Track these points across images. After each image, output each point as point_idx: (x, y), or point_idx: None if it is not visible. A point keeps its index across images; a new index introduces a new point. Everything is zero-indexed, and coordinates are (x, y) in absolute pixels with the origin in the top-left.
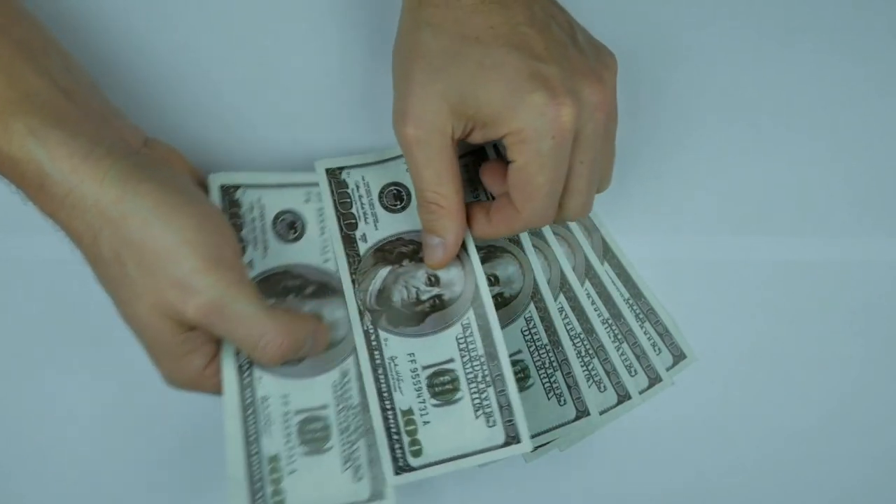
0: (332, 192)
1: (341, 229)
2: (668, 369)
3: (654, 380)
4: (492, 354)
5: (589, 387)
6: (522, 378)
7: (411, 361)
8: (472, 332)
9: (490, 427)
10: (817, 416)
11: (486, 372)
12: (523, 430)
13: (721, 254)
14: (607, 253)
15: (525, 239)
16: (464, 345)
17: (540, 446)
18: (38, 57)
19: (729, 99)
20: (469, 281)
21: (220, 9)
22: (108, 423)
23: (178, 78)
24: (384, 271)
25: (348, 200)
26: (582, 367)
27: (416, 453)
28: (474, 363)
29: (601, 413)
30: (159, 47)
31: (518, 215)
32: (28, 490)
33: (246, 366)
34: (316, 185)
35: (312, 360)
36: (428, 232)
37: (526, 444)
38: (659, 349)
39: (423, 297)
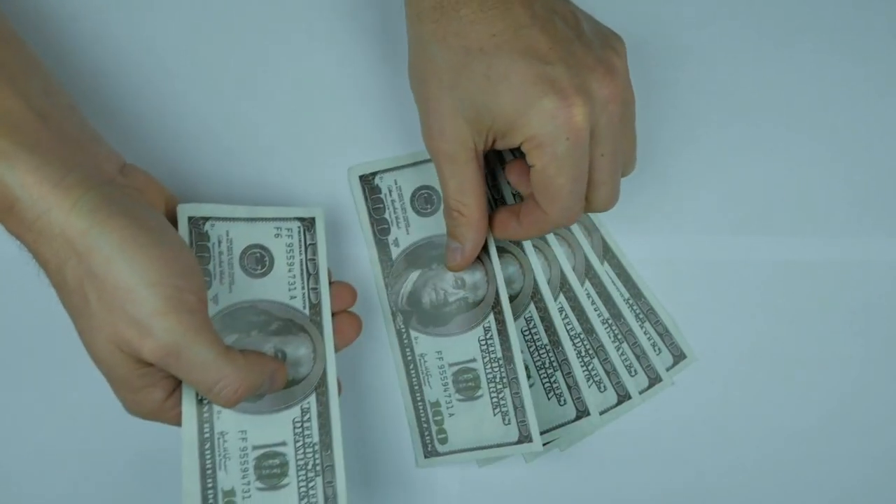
0: (365, 198)
1: (374, 235)
2: (668, 369)
3: (654, 380)
4: (508, 357)
5: (589, 387)
6: (473, 387)
7: (439, 359)
8: (492, 335)
9: (506, 425)
10: (817, 416)
11: (504, 374)
12: (535, 430)
13: (721, 254)
14: (607, 253)
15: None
16: (485, 346)
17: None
18: (16, 79)
19: (729, 99)
20: (491, 286)
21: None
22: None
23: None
24: (414, 274)
25: (381, 206)
26: (582, 367)
27: (443, 441)
28: (494, 364)
29: (601, 413)
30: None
31: (546, 217)
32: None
33: (206, 400)
34: (285, 220)
35: (274, 396)
36: (449, 237)
37: (537, 444)
38: (659, 349)
39: (451, 299)
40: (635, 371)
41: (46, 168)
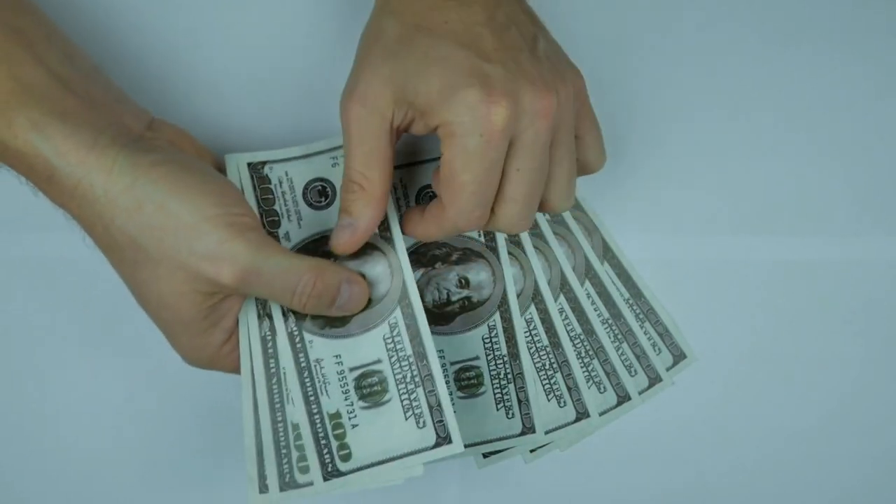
0: (254, 187)
1: (263, 227)
2: (668, 369)
3: (654, 380)
4: (420, 354)
5: (589, 388)
6: (475, 385)
7: (441, 357)
8: (497, 333)
9: (510, 419)
10: (817, 416)
11: (415, 372)
12: (454, 429)
13: (721, 254)
14: (607, 253)
15: (525, 240)
16: (391, 344)
17: (540, 447)
18: (36, 46)
19: (729, 99)
20: (498, 287)
21: None
22: (119, 420)
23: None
24: (417, 273)
25: (270, 196)
26: (582, 368)
27: (345, 458)
28: (402, 363)
29: (601, 414)
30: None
31: (444, 214)
32: (41, 485)
33: (298, 332)
34: (338, 148)
35: (360, 317)
36: (343, 212)
37: (457, 445)
38: (659, 349)
39: (454, 299)
40: (635, 371)
41: (79, 134)
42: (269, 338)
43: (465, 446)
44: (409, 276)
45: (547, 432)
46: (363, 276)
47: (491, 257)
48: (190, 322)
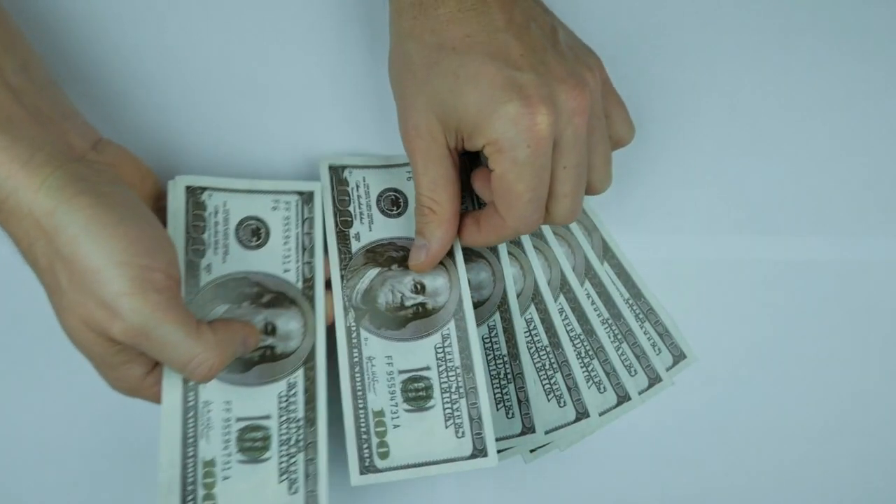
0: (332, 187)
1: (337, 225)
2: (668, 369)
3: (654, 380)
4: (468, 367)
5: (589, 388)
6: (425, 397)
7: (388, 364)
8: (451, 343)
9: (459, 438)
10: (817, 416)
11: (461, 383)
12: (491, 444)
13: (721, 254)
14: (607, 253)
15: (526, 240)
16: (441, 354)
17: (540, 447)
18: None
19: (729, 99)
20: (454, 293)
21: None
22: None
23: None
24: (373, 272)
25: (346, 198)
26: (582, 368)
27: (384, 455)
28: (450, 373)
29: (601, 414)
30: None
31: (504, 223)
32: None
33: (354, 326)
34: (284, 193)
35: (261, 369)
36: (417, 234)
37: (492, 459)
38: (659, 349)
39: (407, 304)
40: (635, 371)
41: (16, 147)
42: (354, 328)
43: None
44: (466, 290)
45: (547, 432)
46: (274, 327)
47: (449, 264)
48: (102, 356)
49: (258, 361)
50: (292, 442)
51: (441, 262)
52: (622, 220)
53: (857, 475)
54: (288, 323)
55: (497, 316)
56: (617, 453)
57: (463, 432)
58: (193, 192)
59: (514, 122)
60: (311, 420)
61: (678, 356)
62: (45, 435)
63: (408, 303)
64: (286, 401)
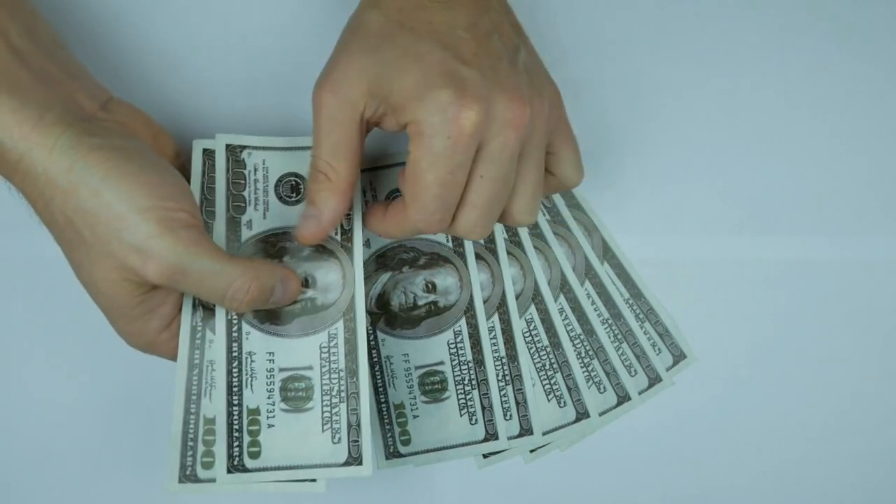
0: (227, 169)
1: (228, 210)
2: (668, 369)
3: (654, 380)
4: (479, 361)
5: (589, 388)
6: (440, 389)
7: (405, 361)
8: (462, 339)
9: (472, 425)
10: (817, 416)
11: (473, 376)
12: (502, 428)
13: (721, 254)
14: (607, 253)
15: (526, 240)
16: (454, 350)
17: (540, 447)
18: None
19: (729, 99)
20: (465, 292)
21: None
22: (106, 421)
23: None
24: (385, 276)
25: (242, 182)
26: (582, 368)
27: (406, 443)
28: (462, 367)
29: (601, 414)
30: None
31: (406, 214)
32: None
33: (236, 320)
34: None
35: (302, 320)
36: (308, 202)
37: (503, 441)
38: (659, 349)
39: (420, 303)
40: (635, 371)
41: (25, 109)
42: (200, 328)
43: (431, 451)
44: (360, 292)
45: (547, 432)
46: (314, 279)
47: (458, 262)
48: (124, 308)
49: (299, 313)
50: (335, 392)
51: (451, 262)
52: (622, 220)
53: (857, 475)
54: (327, 275)
55: (463, 321)
56: (617, 453)
57: (476, 419)
58: (233, 151)
59: (442, 108)
60: (352, 371)
61: (678, 356)
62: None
63: (420, 302)
64: (328, 351)
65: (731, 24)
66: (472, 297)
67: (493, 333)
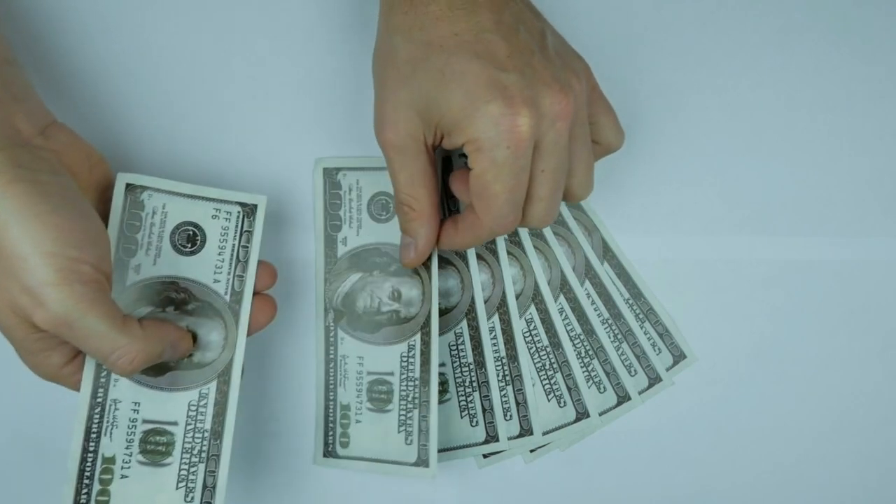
0: (325, 191)
1: (326, 228)
2: (668, 369)
3: (654, 380)
4: (425, 380)
5: (588, 388)
6: (385, 400)
7: (359, 364)
8: (414, 355)
9: (407, 445)
10: (817, 416)
11: (417, 395)
12: (433, 456)
13: (721, 254)
14: (607, 253)
15: (526, 240)
16: (405, 363)
17: (540, 447)
18: None
19: (729, 99)
20: (424, 307)
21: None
22: None
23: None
24: (355, 276)
25: (338, 202)
26: (582, 368)
27: (345, 444)
28: (409, 384)
29: (601, 414)
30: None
31: (480, 223)
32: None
33: (332, 326)
34: (226, 202)
35: (174, 375)
36: (403, 232)
37: (432, 470)
38: (659, 349)
39: (384, 309)
40: (635, 371)
41: None
42: (332, 328)
43: (360, 460)
44: (240, 357)
45: (547, 432)
46: (401, 294)
47: (424, 276)
48: (23, 342)
49: (386, 323)
50: (195, 451)
51: (418, 274)
52: (622, 220)
53: (857, 475)
54: (209, 333)
55: (417, 337)
56: (617, 453)
57: (411, 440)
58: (133, 191)
59: (495, 122)
60: (217, 433)
61: (678, 356)
62: None
63: (384, 308)
64: (196, 410)
65: (731, 25)
66: (426, 312)
67: (494, 334)
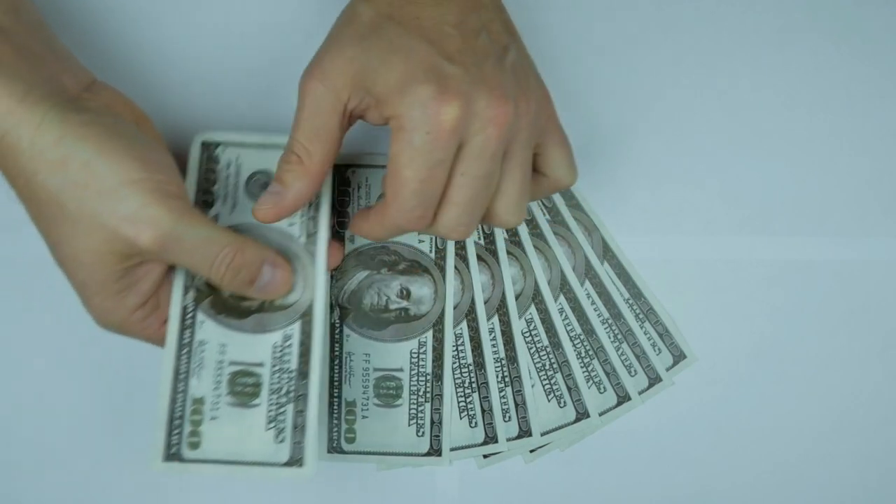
0: (333, 188)
1: (333, 226)
2: (668, 369)
3: (654, 380)
4: (438, 375)
5: (588, 388)
6: (393, 395)
7: (366, 361)
8: (426, 351)
9: (419, 437)
10: (817, 416)
11: (429, 388)
12: (446, 445)
13: (721, 254)
14: (607, 253)
15: (526, 240)
16: (415, 359)
17: (540, 447)
18: None
19: (729, 99)
20: (437, 305)
21: None
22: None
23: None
24: (361, 274)
25: (347, 199)
26: (582, 368)
27: (350, 440)
28: (420, 378)
29: (601, 414)
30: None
31: (388, 211)
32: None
33: (191, 308)
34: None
35: (258, 318)
36: (275, 180)
37: (445, 459)
38: (659, 349)
39: (392, 307)
40: (635, 371)
41: (10, 85)
42: (338, 326)
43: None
44: (322, 297)
45: (547, 432)
46: (409, 292)
47: (437, 275)
48: (104, 282)
49: (394, 321)
50: (283, 392)
51: (430, 273)
52: (622, 220)
53: (857, 475)
54: (421, 289)
55: (430, 333)
56: (617, 453)
57: (423, 432)
58: (207, 147)
59: (423, 104)
60: (303, 373)
61: (678, 356)
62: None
63: (392, 306)
64: (281, 351)
65: (731, 24)
66: (439, 310)
67: (493, 335)
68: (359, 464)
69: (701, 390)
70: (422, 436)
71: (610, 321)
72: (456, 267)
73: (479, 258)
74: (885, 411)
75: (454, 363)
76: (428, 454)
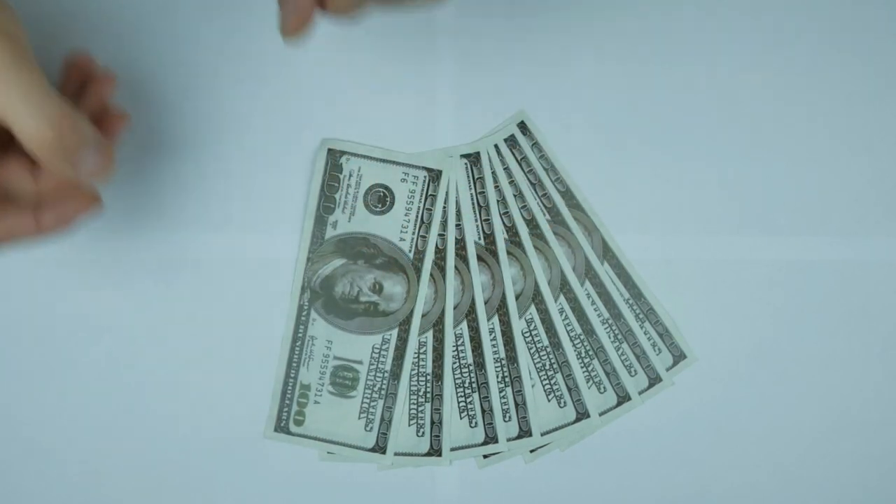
0: (325, 170)
1: (318, 209)
2: (668, 369)
3: (654, 380)
4: (396, 374)
5: (589, 388)
6: (349, 387)
7: (327, 348)
8: (388, 349)
9: (367, 431)
10: (817, 416)
11: (384, 386)
12: (392, 444)
13: (721, 254)
14: (607, 253)
15: (526, 240)
16: (376, 355)
17: (540, 447)
18: None
19: (729, 99)
20: (407, 305)
21: None
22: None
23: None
24: (338, 262)
25: (336, 185)
26: (582, 368)
27: (299, 423)
28: (378, 375)
29: (601, 414)
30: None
31: None
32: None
33: (306, 305)
34: (414, 167)
35: (363, 321)
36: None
37: (388, 458)
38: (659, 349)
39: (362, 299)
40: (635, 371)
41: None
42: (306, 308)
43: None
44: (419, 309)
45: (547, 432)
46: (382, 287)
47: (412, 275)
48: None
49: (362, 314)
50: (376, 388)
51: (405, 272)
52: (622, 220)
53: (857, 475)
54: (394, 286)
55: (395, 332)
56: (617, 453)
57: (372, 427)
58: (333, 155)
59: None
60: (395, 374)
61: (678, 356)
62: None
63: (362, 298)
64: (378, 352)
65: (731, 24)
66: (408, 311)
67: (493, 335)
68: (302, 448)
69: (701, 390)
70: (422, 436)
71: (610, 321)
72: (456, 267)
73: (479, 258)
74: (885, 411)
75: (454, 363)
76: (428, 454)
